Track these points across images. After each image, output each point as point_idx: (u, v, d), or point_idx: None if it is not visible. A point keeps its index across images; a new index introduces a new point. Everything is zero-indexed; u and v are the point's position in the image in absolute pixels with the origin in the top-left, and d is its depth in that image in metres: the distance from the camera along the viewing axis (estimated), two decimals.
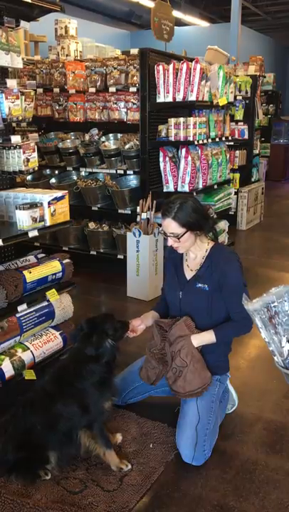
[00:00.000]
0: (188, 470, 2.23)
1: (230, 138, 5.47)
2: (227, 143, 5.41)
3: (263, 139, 9.07)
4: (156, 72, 4.28)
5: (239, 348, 3.31)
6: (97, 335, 2.19)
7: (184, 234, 2.27)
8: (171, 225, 2.28)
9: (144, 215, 4.31)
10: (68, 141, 5.12)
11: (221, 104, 4.70)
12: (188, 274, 2.42)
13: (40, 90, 5.05)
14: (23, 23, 2.80)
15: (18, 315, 2.65)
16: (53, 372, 2.30)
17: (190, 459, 2.24)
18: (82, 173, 5.17)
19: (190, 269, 2.43)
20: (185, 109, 4.69)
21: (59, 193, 2.70)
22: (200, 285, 2.34)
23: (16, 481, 2.11)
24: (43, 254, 3.04)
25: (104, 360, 2.19)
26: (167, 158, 4.44)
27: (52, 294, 2.78)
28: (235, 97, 5.95)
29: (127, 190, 4.79)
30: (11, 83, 2.60)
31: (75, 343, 2.33)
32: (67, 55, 5.40)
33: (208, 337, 2.31)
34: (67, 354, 2.44)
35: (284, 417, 2.63)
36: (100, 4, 11.43)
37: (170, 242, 2.35)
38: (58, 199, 2.66)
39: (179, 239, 2.29)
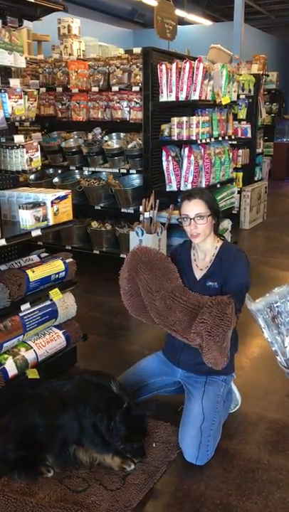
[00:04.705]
0: (191, 469, 2.23)
1: (233, 137, 5.47)
2: (230, 142, 5.40)
3: (266, 137, 9.05)
4: (159, 71, 4.28)
5: (242, 348, 3.30)
6: (124, 425, 2.14)
7: (209, 216, 2.30)
8: (198, 205, 2.29)
9: (146, 214, 4.31)
10: (71, 140, 5.12)
11: (224, 103, 4.69)
12: (198, 274, 2.42)
13: (43, 89, 5.05)
14: (26, 22, 2.81)
15: (21, 314, 2.65)
16: (75, 386, 2.30)
17: (194, 458, 2.23)
18: (85, 173, 5.17)
19: (199, 268, 2.42)
20: (188, 108, 4.68)
21: (62, 193, 2.71)
22: (210, 283, 2.33)
23: (19, 478, 2.12)
24: (46, 254, 3.04)
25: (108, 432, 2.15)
26: (170, 158, 4.44)
27: (55, 293, 2.79)
28: (238, 95, 5.93)
29: (130, 189, 4.78)
30: (14, 83, 2.60)
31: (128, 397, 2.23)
32: (70, 54, 5.41)
33: None
34: (104, 380, 2.28)
35: (287, 417, 2.63)
36: (103, 3, 11.44)
37: (191, 227, 2.30)
38: (60, 198, 2.67)
39: (206, 219, 2.28)
